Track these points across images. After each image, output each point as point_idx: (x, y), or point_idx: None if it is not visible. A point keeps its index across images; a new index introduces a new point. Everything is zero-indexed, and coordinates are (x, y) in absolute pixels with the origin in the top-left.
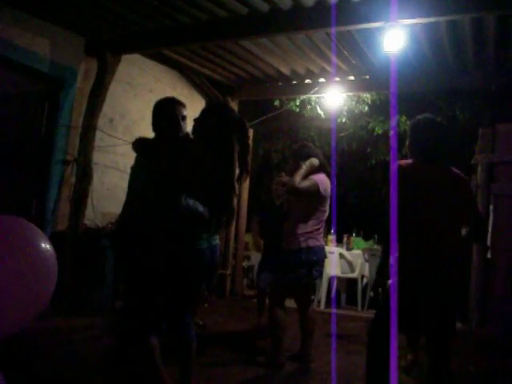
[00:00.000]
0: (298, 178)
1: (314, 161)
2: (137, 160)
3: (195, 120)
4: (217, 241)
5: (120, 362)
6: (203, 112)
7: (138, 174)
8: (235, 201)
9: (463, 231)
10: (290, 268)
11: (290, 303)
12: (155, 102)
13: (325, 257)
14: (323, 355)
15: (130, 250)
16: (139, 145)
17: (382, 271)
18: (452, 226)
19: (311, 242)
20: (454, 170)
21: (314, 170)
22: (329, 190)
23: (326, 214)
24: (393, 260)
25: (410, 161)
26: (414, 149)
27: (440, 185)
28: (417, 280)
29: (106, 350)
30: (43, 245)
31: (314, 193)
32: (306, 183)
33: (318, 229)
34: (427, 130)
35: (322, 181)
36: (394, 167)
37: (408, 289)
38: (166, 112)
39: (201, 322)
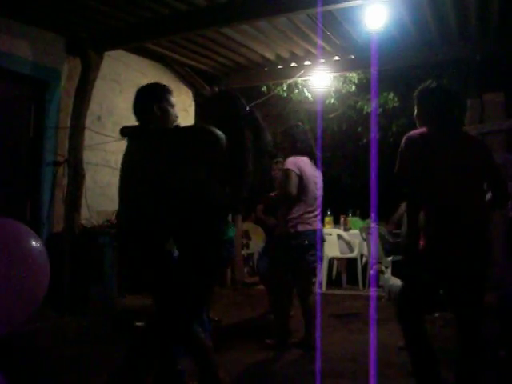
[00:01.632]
0: (288, 188)
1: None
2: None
3: (201, 107)
4: (233, 232)
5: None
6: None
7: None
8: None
9: (487, 197)
10: (281, 253)
11: None
12: (143, 88)
13: (322, 240)
14: (327, 336)
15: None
16: (129, 129)
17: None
18: (475, 192)
19: (301, 227)
20: (470, 134)
21: (295, 152)
22: (308, 172)
23: (316, 196)
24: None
25: (421, 130)
26: (425, 118)
27: (458, 151)
28: (443, 251)
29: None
30: (33, 243)
31: (292, 178)
32: (290, 183)
33: (309, 212)
34: (436, 97)
35: (296, 163)
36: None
37: (433, 260)
38: (160, 99)
39: (216, 318)
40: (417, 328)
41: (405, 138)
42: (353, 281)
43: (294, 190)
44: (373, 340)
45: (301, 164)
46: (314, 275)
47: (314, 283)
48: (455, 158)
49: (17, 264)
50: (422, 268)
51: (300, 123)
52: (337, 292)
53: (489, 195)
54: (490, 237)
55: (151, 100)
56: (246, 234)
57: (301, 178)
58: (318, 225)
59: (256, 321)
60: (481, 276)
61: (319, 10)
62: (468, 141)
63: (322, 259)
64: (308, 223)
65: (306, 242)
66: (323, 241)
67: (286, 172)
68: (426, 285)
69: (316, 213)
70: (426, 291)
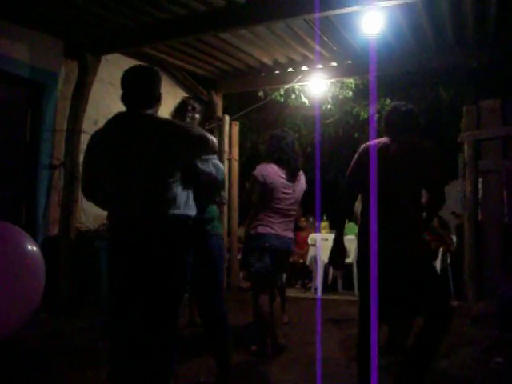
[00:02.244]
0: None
1: None
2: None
3: None
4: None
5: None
6: None
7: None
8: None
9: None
10: (245, 254)
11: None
12: (144, 72)
13: (285, 248)
14: (323, 341)
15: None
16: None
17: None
18: (412, 198)
19: (261, 229)
20: (423, 142)
21: (268, 158)
22: (274, 180)
23: (285, 206)
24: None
25: (377, 140)
26: (387, 131)
27: (401, 156)
28: (381, 255)
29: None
30: (29, 246)
31: (256, 184)
32: (251, 189)
33: (274, 217)
34: (395, 115)
35: (261, 170)
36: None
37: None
38: (158, 86)
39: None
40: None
41: (360, 147)
42: (348, 286)
43: (252, 196)
44: (374, 346)
45: (266, 171)
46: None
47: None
48: (394, 164)
49: (12, 268)
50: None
51: (285, 129)
52: (332, 297)
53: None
54: (421, 236)
55: (159, 87)
56: (240, 239)
57: (264, 184)
58: (285, 233)
59: (247, 326)
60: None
61: (317, 15)
62: (413, 148)
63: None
64: (270, 227)
65: (267, 244)
66: (289, 251)
67: (251, 177)
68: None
69: (282, 220)
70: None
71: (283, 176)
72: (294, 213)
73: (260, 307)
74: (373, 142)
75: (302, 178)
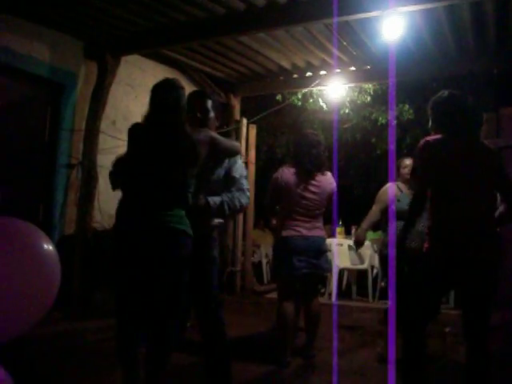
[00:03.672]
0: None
1: None
2: None
3: None
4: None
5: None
6: None
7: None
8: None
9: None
10: (274, 259)
11: None
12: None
13: (315, 247)
14: (338, 348)
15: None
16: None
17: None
18: (484, 196)
19: (285, 233)
20: (482, 141)
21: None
22: (291, 182)
23: (306, 207)
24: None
25: (437, 136)
26: (440, 127)
27: (470, 157)
28: (450, 253)
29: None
30: (45, 245)
31: (276, 186)
32: (268, 192)
33: (295, 220)
34: (449, 106)
35: (279, 173)
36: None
37: (440, 262)
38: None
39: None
40: (421, 339)
41: (423, 141)
42: (363, 292)
43: (267, 198)
44: (391, 354)
45: (283, 174)
46: (319, 283)
47: (319, 291)
48: (467, 164)
49: (28, 266)
50: (428, 269)
51: (309, 131)
52: (346, 303)
53: (501, 208)
54: (497, 239)
55: None
56: (254, 242)
57: (280, 187)
58: (312, 232)
59: (260, 331)
60: (489, 272)
61: (336, 20)
62: (481, 148)
63: (325, 270)
64: (293, 229)
65: (293, 246)
66: (323, 250)
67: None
68: (435, 287)
69: (307, 220)
70: (435, 293)
71: (299, 177)
72: (319, 212)
73: (284, 314)
74: (430, 138)
75: (325, 177)
